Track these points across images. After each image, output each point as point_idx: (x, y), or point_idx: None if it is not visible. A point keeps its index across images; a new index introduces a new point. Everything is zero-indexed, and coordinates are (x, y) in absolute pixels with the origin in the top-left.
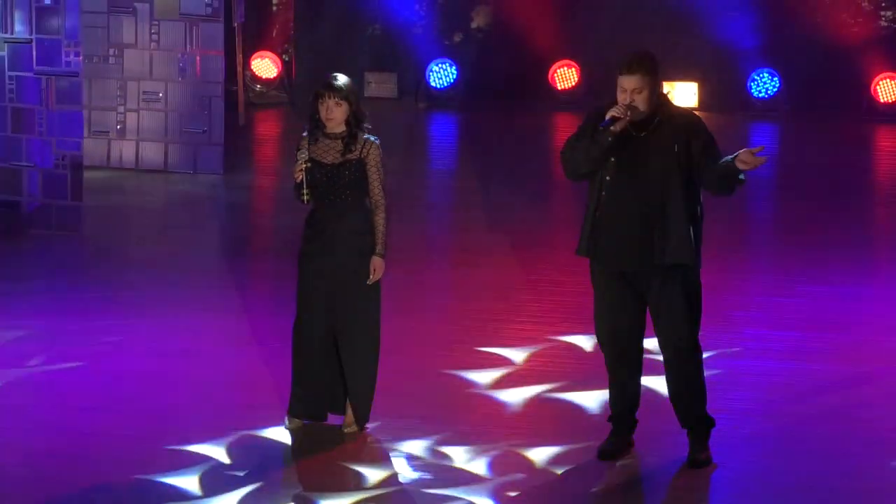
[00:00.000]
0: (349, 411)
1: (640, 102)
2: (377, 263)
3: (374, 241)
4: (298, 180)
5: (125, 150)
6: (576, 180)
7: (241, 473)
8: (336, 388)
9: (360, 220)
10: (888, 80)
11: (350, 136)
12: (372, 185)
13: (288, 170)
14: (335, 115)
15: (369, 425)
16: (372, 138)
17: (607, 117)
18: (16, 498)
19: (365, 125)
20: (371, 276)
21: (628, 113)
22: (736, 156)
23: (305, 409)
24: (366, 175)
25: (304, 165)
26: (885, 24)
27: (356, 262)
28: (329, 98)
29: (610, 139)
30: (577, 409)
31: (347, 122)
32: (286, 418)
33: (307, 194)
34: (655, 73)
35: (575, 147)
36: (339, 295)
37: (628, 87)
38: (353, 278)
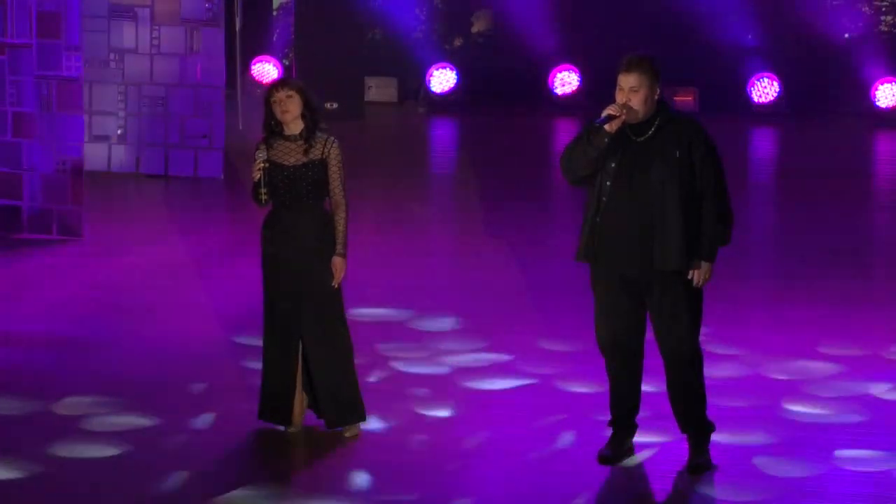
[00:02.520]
0: (325, 414)
1: (636, 102)
2: (338, 263)
3: (334, 242)
4: (256, 179)
5: (126, 155)
6: (575, 184)
7: (240, 476)
8: (306, 391)
9: (320, 221)
10: (888, 85)
11: (308, 132)
12: (333, 184)
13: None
14: (289, 107)
15: (370, 428)
16: (332, 138)
17: (603, 115)
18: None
19: (321, 124)
20: (334, 277)
21: (624, 111)
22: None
23: (272, 414)
24: (327, 175)
25: (263, 165)
26: (886, 28)
27: (316, 264)
28: (278, 92)
29: (606, 139)
30: (577, 414)
31: (303, 117)
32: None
33: (265, 194)
34: (654, 75)
35: (573, 151)
36: (302, 296)
37: (626, 86)
38: (313, 280)
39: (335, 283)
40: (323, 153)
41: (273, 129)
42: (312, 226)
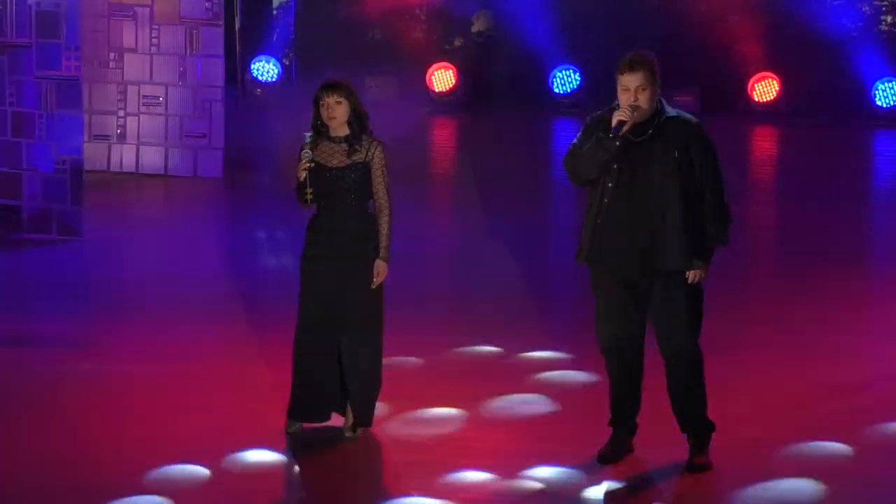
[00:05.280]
0: (350, 414)
1: (644, 101)
2: (381, 267)
3: (376, 245)
4: (301, 179)
5: (125, 154)
6: (582, 185)
7: (240, 478)
8: (337, 391)
9: (363, 224)
10: (888, 85)
11: (354, 137)
12: (377, 187)
13: (290, 173)
14: (337, 113)
15: (369, 430)
16: (376, 142)
17: (614, 123)
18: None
19: (369, 127)
20: (374, 280)
21: (634, 113)
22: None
23: (305, 413)
24: (370, 178)
25: (308, 165)
26: (886, 28)
27: (358, 266)
28: (328, 97)
29: (617, 143)
30: (577, 414)
31: (349, 123)
32: (287, 422)
33: (310, 194)
34: (656, 73)
35: (579, 153)
36: (342, 299)
37: (631, 86)
38: (354, 282)
39: (373, 286)
40: (367, 156)
41: (319, 130)
42: (355, 228)
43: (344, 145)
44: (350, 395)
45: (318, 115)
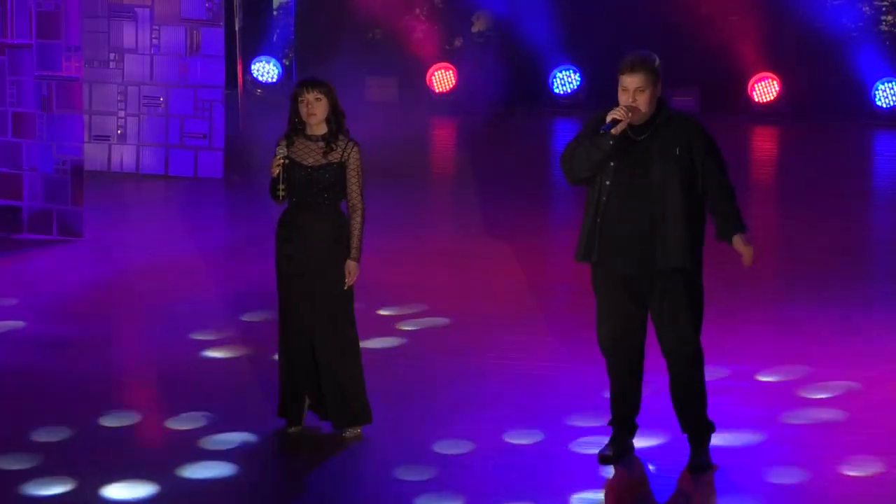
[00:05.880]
0: (334, 415)
1: (642, 103)
2: (352, 267)
3: (348, 246)
4: (275, 175)
5: (126, 155)
6: (577, 185)
7: (239, 479)
8: (315, 391)
9: (335, 224)
10: (888, 85)
11: (331, 135)
12: (350, 188)
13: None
14: (316, 110)
15: (368, 431)
16: (353, 142)
17: (608, 120)
18: None
19: (345, 126)
20: (346, 280)
21: (629, 114)
22: (738, 236)
23: (289, 412)
24: (345, 178)
25: (282, 161)
26: (886, 28)
27: (329, 266)
28: (308, 93)
29: (610, 142)
30: (577, 414)
31: (328, 121)
32: (286, 422)
33: (283, 190)
34: (657, 74)
35: (575, 152)
36: (315, 298)
37: (630, 87)
38: (326, 283)
39: (345, 287)
40: (342, 156)
41: (296, 127)
42: (327, 227)
43: (321, 144)
44: (328, 395)
45: (295, 112)
